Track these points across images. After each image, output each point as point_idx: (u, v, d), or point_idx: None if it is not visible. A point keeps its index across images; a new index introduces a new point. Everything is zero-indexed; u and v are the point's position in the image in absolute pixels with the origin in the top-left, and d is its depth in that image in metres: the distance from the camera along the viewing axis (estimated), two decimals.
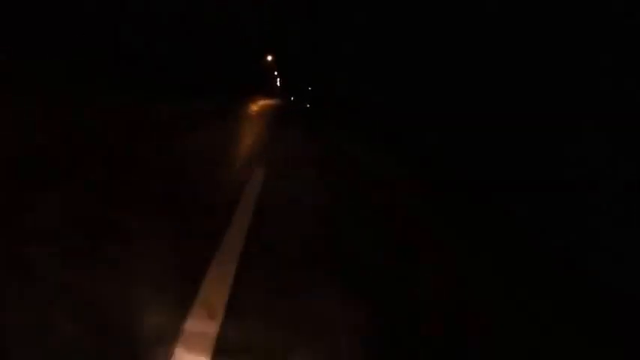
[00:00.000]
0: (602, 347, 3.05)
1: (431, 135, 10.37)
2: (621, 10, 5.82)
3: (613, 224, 5.04)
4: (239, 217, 3.57)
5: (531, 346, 2.74)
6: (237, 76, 35.44)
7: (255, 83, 47.98)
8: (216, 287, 2.33)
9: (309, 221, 4.16)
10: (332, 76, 34.14)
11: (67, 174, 3.51)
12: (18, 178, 3.13)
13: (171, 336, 1.85)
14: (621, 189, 5.23)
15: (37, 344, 1.61)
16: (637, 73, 5.49)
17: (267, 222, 3.76)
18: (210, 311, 2.10)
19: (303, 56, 60.71)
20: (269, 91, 73.89)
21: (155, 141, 6.06)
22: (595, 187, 5.54)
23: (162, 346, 1.77)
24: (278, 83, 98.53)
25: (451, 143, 9.83)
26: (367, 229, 4.48)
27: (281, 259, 3.01)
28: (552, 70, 6.85)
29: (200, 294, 2.22)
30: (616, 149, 5.57)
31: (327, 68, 38.00)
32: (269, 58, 50.23)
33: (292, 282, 2.69)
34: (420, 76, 12.66)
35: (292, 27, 54.79)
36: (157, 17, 16.59)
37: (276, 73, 74.80)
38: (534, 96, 7.49)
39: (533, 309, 3.36)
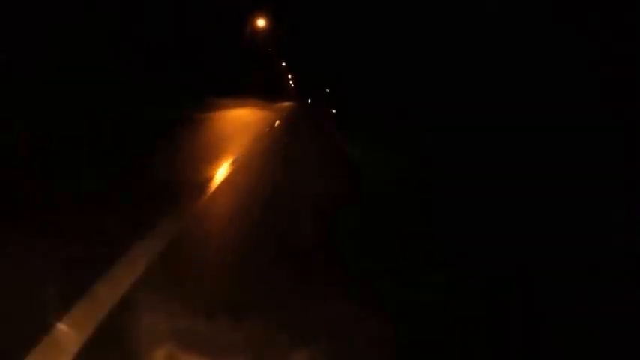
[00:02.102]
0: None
1: None
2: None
3: None
4: None
5: None
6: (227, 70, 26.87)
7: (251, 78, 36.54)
8: None
9: None
10: (362, 73, 27.24)
11: None
12: None
13: None
14: None
15: None
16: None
17: None
18: None
19: (320, 52, 52.12)
20: (279, 92, 63.67)
21: None
22: None
23: None
24: (291, 83, 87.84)
25: None
26: None
27: None
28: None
29: None
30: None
31: (354, 65, 30.61)
32: (261, 23, 34.38)
33: None
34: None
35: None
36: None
37: (284, 64, 64.62)
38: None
39: None
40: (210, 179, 5.35)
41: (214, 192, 4.82)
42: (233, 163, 6.75)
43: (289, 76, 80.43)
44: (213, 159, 7.07)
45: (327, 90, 62.34)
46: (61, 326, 1.93)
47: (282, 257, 3.21)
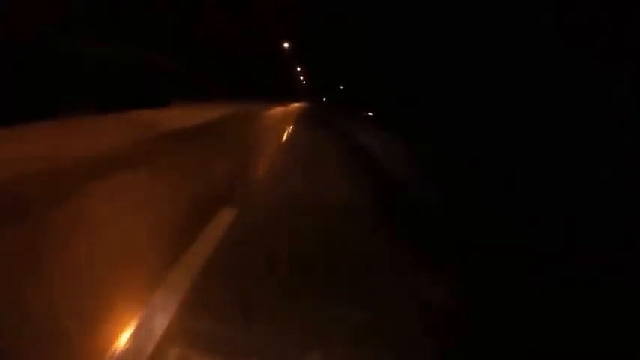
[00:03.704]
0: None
1: None
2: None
3: None
4: None
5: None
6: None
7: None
8: None
9: None
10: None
11: None
12: None
13: None
14: None
15: None
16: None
17: None
18: None
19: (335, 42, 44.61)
20: (287, 91, 49.57)
21: None
22: None
23: None
24: (303, 80, 71.79)
25: None
26: None
27: None
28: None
29: None
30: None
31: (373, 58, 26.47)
32: None
33: None
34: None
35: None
36: None
37: (298, 69, 50.33)
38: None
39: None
40: None
41: None
42: None
43: (301, 75, 65.55)
44: None
45: (341, 87, 55.63)
46: None
47: None
